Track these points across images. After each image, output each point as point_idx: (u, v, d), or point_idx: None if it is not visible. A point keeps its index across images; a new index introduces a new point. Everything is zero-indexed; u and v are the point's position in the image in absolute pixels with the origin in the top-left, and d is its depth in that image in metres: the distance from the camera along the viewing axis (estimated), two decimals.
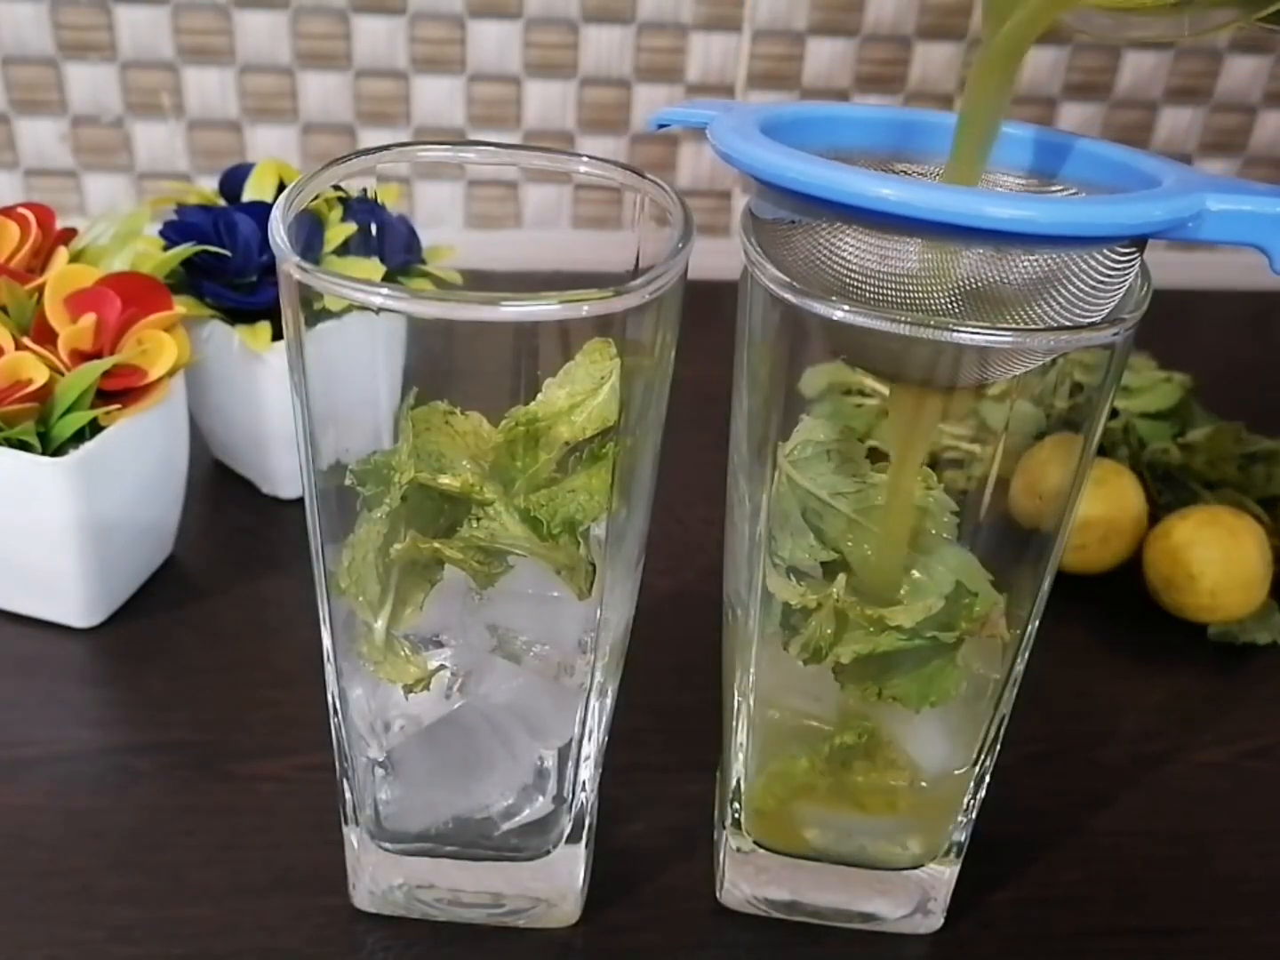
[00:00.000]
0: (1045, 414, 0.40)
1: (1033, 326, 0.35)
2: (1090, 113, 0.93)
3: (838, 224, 0.34)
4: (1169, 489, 0.65)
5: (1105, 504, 0.63)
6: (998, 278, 0.34)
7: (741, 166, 0.35)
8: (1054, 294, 0.34)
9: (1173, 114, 0.94)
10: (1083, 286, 0.34)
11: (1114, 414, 0.68)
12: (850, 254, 0.35)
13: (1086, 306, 0.35)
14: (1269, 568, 0.61)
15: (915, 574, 0.40)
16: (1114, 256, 0.34)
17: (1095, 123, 0.94)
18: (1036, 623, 0.41)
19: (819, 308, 0.35)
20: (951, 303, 0.34)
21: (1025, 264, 0.33)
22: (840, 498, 0.39)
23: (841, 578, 0.40)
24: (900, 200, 0.31)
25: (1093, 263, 0.34)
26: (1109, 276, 0.34)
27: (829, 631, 0.40)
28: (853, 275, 0.35)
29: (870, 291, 0.35)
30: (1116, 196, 0.34)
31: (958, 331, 0.34)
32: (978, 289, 0.34)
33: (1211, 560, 0.60)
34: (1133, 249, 0.35)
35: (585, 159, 0.40)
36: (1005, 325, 0.34)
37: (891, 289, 0.35)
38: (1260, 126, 0.95)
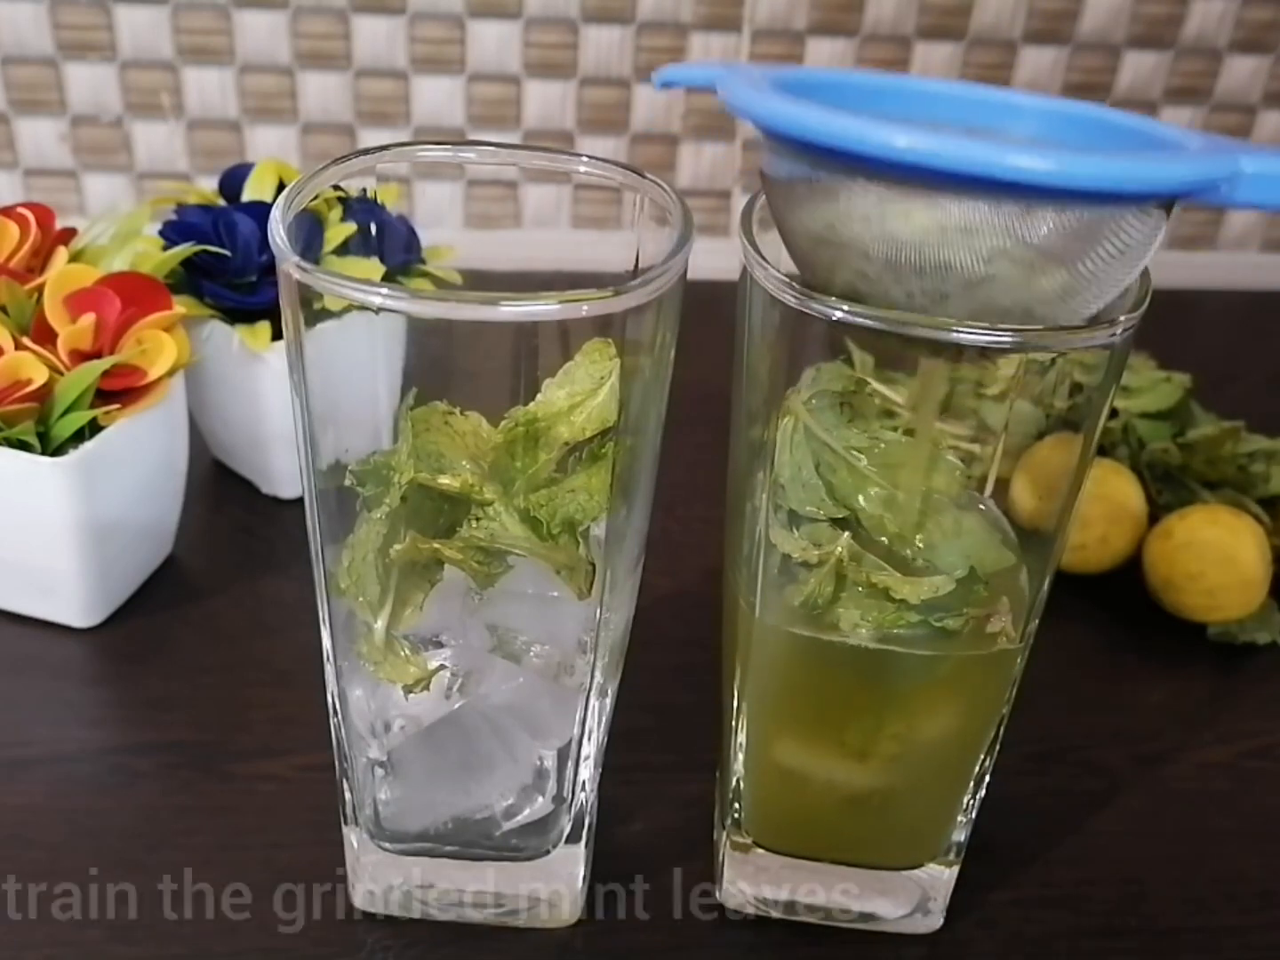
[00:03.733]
0: (1045, 414, 0.40)
1: (1033, 327, 0.35)
2: None
3: (859, 180, 0.33)
4: (1169, 489, 0.65)
5: (1105, 504, 0.63)
6: (1021, 238, 0.33)
7: (757, 119, 0.34)
8: (1080, 259, 0.33)
9: (1173, 114, 0.94)
10: (1109, 251, 0.33)
11: (1114, 414, 0.68)
12: (872, 213, 0.33)
13: (1111, 275, 0.34)
14: (1269, 568, 0.61)
15: (928, 544, 0.40)
16: (1142, 220, 0.33)
17: None
18: (1036, 622, 0.41)
19: (819, 308, 0.35)
20: (977, 265, 0.33)
21: (1052, 224, 0.32)
22: (853, 452, 0.39)
23: (846, 537, 0.39)
24: (930, 151, 0.30)
25: (1122, 225, 0.33)
26: (1136, 240, 0.34)
27: (828, 590, 0.40)
28: (874, 237, 0.34)
29: (892, 255, 0.34)
30: (1153, 154, 0.34)
31: (958, 332, 0.34)
32: (1002, 251, 0.33)
33: (1211, 560, 0.60)
34: (1161, 213, 0.34)
35: (585, 159, 0.39)
36: (1005, 325, 0.34)
37: (914, 252, 0.34)
38: (1260, 126, 0.95)
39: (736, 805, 0.46)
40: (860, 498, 0.39)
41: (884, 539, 0.40)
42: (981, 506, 0.42)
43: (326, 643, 0.41)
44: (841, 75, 0.40)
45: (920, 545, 0.40)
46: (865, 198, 0.33)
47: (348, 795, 0.44)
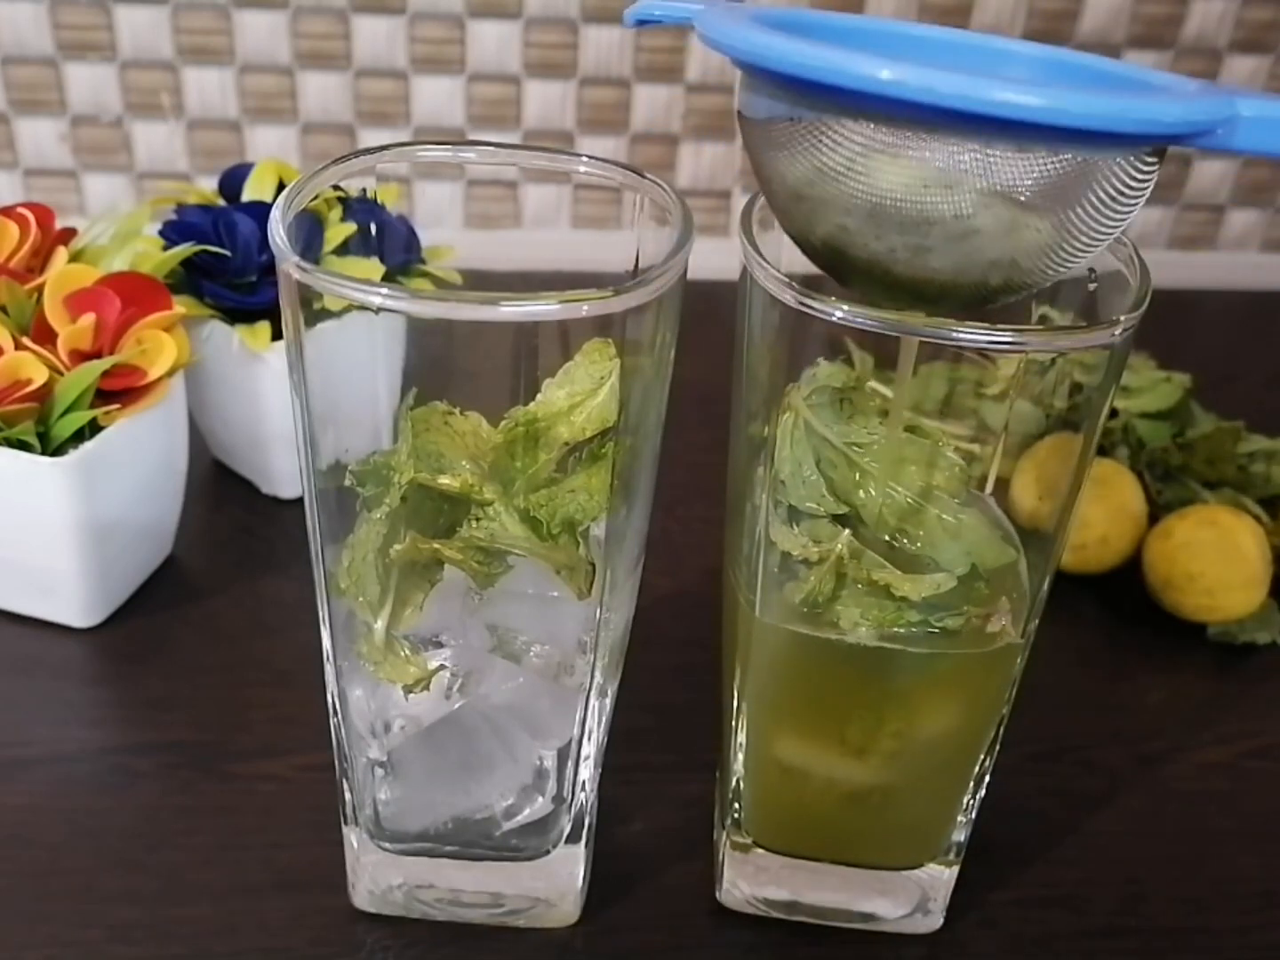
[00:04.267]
0: (1045, 414, 0.40)
1: (1033, 326, 0.35)
2: None
3: (842, 119, 0.32)
4: (1169, 489, 0.65)
5: (1105, 504, 0.63)
6: (1010, 184, 0.32)
7: (735, 52, 0.33)
8: (1070, 207, 0.33)
9: None
10: (1100, 199, 0.33)
11: (1114, 414, 0.68)
12: (855, 157, 0.32)
13: (1100, 226, 0.33)
14: (1269, 568, 0.61)
15: (929, 540, 0.39)
16: (1134, 166, 0.32)
17: None
18: (1036, 622, 0.41)
19: (819, 308, 0.34)
20: (961, 215, 0.32)
21: (1043, 167, 0.31)
22: (853, 448, 0.39)
23: (846, 534, 0.39)
24: (918, 86, 0.29)
25: (1114, 170, 0.32)
26: (1128, 188, 0.33)
27: (829, 587, 0.40)
28: (856, 185, 0.33)
29: (874, 205, 0.33)
30: (1149, 94, 0.33)
31: (958, 332, 0.34)
32: (989, 199, 0.32)
33: (1210, 560, 0.60)
34: (1154, 159, 0.33)
35: (585, 159, 0.39)
36: (1005, 325, 0.34)
37: (898, 202, 0.32)
38: None
39: (736, 805, 0.46)
40: (860, 494, 0.39)
41: (884, 536, 0.40)
42: (982, 504, 0.42)
43: (326, 643, 0.41)
44: (827, 17, 0.38)
45: (921, 542, 0.40)
46: (848, 139, 0.32)
47: (348, 795, 0.44)
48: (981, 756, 0.44)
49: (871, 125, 0.32)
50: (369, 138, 0.89)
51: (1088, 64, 0.37)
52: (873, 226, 0.33)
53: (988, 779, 0.45)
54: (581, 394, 0.38)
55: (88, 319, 0.55)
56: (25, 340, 0.54)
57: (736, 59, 0.34)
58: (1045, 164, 0.32)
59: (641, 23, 0.37)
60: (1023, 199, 0.32)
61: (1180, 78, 0.35)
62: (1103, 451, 0.66)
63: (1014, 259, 0.34)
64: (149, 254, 0.61)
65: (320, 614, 0.41)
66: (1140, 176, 0.33)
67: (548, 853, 0.45)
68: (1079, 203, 0.33)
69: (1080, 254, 0.34)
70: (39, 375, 0.53)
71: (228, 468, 0.70)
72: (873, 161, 0.32)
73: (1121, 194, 0.33)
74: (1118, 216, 0.34)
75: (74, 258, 0.59)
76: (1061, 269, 0.35)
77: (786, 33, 0.32)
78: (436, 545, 0.37)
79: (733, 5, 0.35)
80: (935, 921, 0.47)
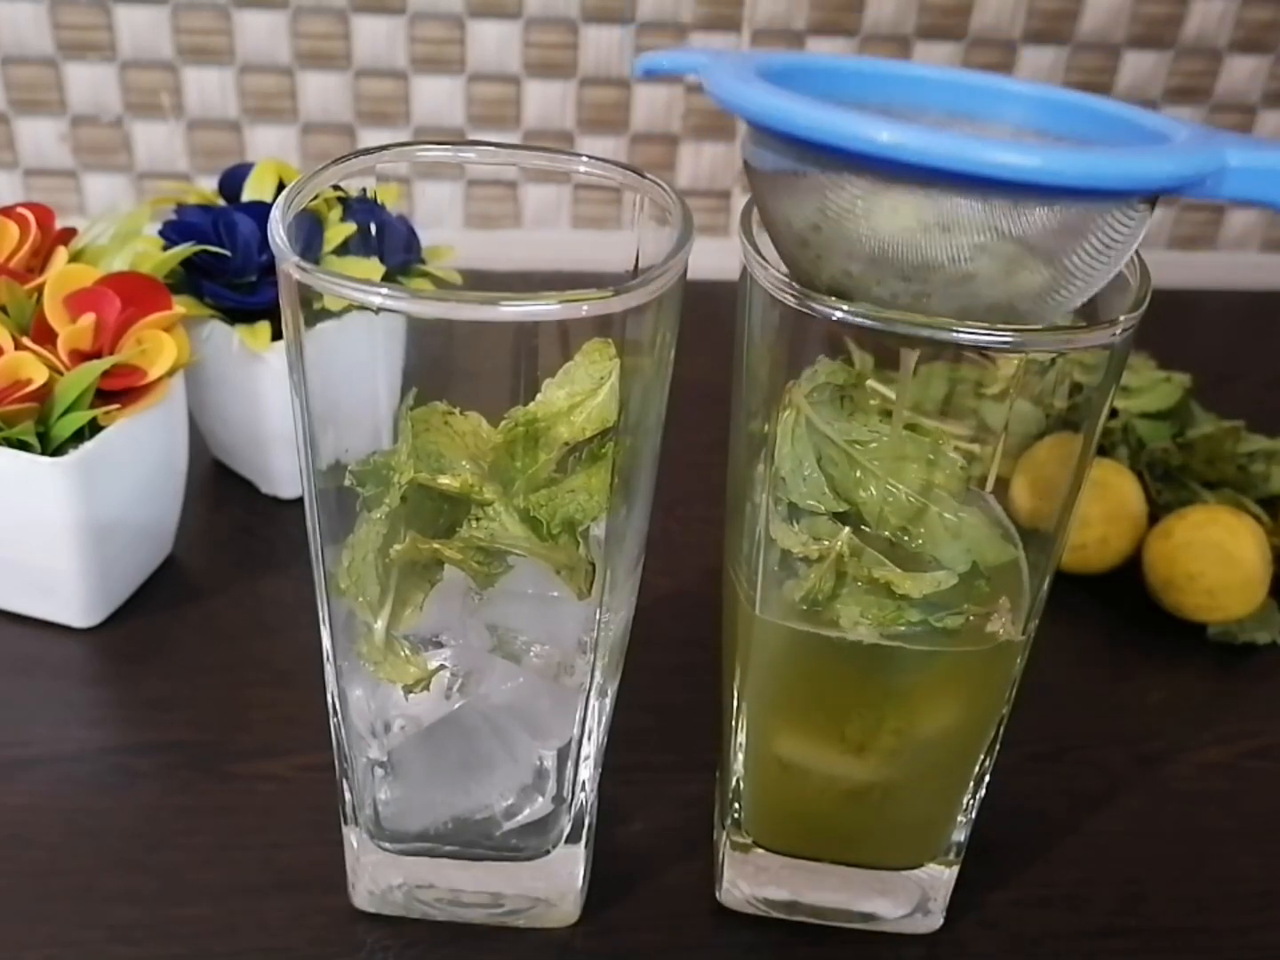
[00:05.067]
0: (1045, 414, 0.40)
1: (1033, 326, 0.35)
2: None
3: (844, 174, 0.33)
4: (1169, 489, 0.65)
5: (1105, 504, 0.63)
6: (1007, 234, 0.33)
7: (743, 111, 0.34)
8: (1065, 254, 0.34)
9: (1173, 114, 0.93)
10: (1095, 245, 0.34)
11: (1114, 414, 0.68)
12: (857, 208, 0.33)
13: (1095, 270, 0.34)
14: (1268, 567, 0.61)
15: (930, 538, 0.40)
16: (1127, 215, 0.33)
17: None
18: (1036, 622, 0.41)
19: (819, 308, 0.35)
20: (961, 262, 0.33)
21: (1037, 219, 0.32)
22: (854, 445, 0.39)
23: (846, 532, 0.39)
24: (916, 148, 0.30)
25: (1107, 220, 0.33)
26: (1121, 235, 0.34)
27: (829, 585, 0.40)
28: (859, 233, 0.34)
29: (876, 252, 0.34)
30: (1139, 149, 0.34)
31: (958, 332, 0.34)
32: (986, 247, 0.33)
33: (1210, 560, 0.60)
34: (1146, 207, 0.34)
35: (585, 159, 0.39)
36: (1005, 325, 0.34)
37: (900, 249, 0.34)
38: (1260, 126, 0.94)
39: (736, 805, 0.46)
40: (861, 491, 0.39)
41: (885, 534, 0.40)
42: (982, 503, 0.42)
43: (326, 643, 0.41)
44: (827, 60, 0.40)
45: (921, 540, 0.40)
46: (850, 192, 0.33)
47: (348, 795, 0.44)
48: (981, 756, 0.44)
49: (873, 180, 0.33)
50: (369, 138, 0.89)
51: (1081, 104, 0.38)
52: (875, 272, 0.34)
53: (988, 779, 0.45)
54: (581, 394, 0.38)
55: (88, 319, 0.55)
56: (25, 340, 0.54)
57: (745, 118, 0.35)
58: (1041, 215, 0.33)
59: (650, 73, 0.38)
60: (1019, 247, 0.33)
61: (1171, 120, 0.36)
62: (1103, 451, 0.66)
63: (1011, 302, 0.35)
64: (149, 254, 0.61)
65: (320, 614, 0.41)
66: (1132, 223, 0.34)
67: (548, 853, 0.45)
68: (1074, 249, 0.34)
69: (1076, 297, 0.35)
70: (39, 375, 0.53)
71: (228, 468, 0.70)
72: (874, 212, 0.33)
73: (1114, 240, 0.34)
74: (1112, 259, 0.35)
75: (74, 258, 0.59)
76: (1058, 310, 0.35)
77: (791, 83, 0.33)
78: (436, 545, 0.37)
79: (737, 57, 0.36)
80: (935, 921, 0.47)
